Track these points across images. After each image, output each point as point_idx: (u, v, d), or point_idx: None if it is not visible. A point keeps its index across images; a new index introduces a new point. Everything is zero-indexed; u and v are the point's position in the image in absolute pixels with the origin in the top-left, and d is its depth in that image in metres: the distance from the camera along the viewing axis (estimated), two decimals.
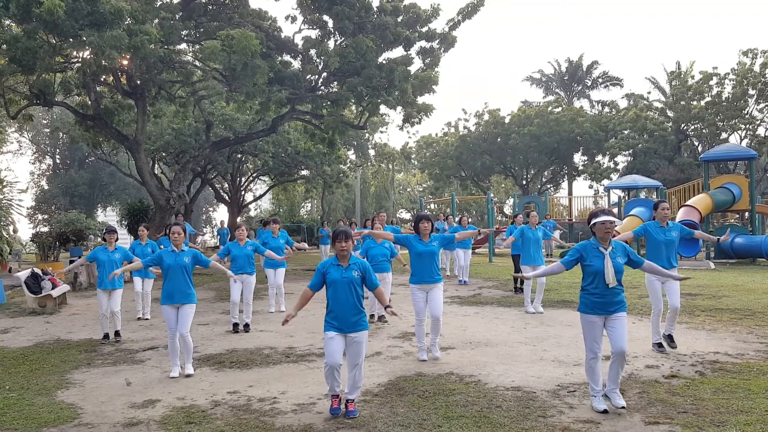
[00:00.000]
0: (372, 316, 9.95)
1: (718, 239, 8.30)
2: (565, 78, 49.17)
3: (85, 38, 14.22)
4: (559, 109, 40.40)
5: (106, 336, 9.06)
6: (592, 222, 5.32)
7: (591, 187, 40.93)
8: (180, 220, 18.05)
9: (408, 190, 62.32)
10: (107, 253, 9.05)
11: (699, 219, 19.27)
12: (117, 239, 9.39)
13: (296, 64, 21.06)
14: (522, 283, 12.07)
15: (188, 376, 6.77)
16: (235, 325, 9.57)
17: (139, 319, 10.82)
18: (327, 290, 5.41)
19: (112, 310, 9.00)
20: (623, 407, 5.14)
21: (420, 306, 7.30)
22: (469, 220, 16.13)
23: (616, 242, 5.37)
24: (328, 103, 21.18)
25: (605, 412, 5.11)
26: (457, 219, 16.05)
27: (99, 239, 33.52)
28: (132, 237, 24.98)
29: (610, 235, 5.30)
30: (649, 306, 10.36)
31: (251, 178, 38.98)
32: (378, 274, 9.57)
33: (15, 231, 23.67)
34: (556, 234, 25.77)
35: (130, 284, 11.45)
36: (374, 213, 14.53)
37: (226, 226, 24.28)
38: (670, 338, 7.36)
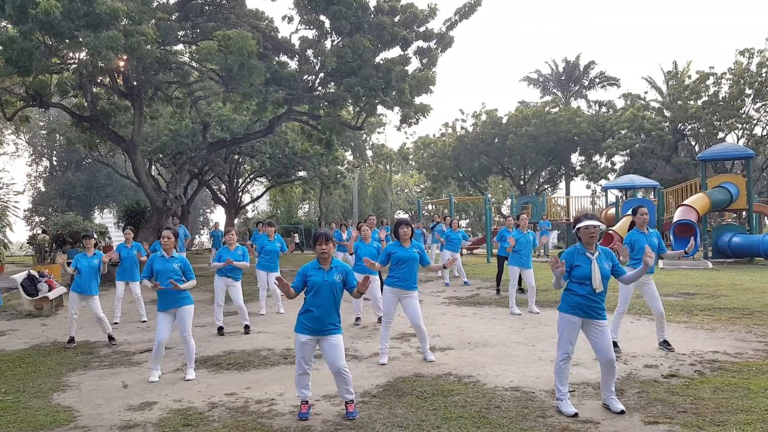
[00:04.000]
0: (358, 319, 9.99)
1: (686, 251, 7.62)
2: (562, 78, 49.22)
3: (81, 39, 14.15)
4: (557, 109, 40.46)
5: (71, 339, 8.89)
6: (577, 226, 5.29)
7: (588, 187, 41.03)
8: (175, 223, 17.96)
9: (405, 191, 62.35)
10: (86, 258, 8.96)
11: (696, 218, 19.27)
12: (96, 244, 9.29)
13: (293, 64, 21.02)
14: (520, 284, 12.08)
15: (188, 381, 6.68)
16: (220, 328, 9.52)
17: (116, 323, 10.63)
18: (307, 292, 5.35)
19: (97, 316, 8.91)
20: (622, 411, 5.10)
21: (389, 309, 7.18)
22: (461, 222, 16.11)
23: (602, 248, 5.34)
24: (326, 103, 21.14)
25: (575, 415, 5.06)
26: (449, 220, 16.05)
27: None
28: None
29: (595, 239, 5.25)
30: (646, 306, 10.38)
31: (248, 180, 38.93)
32: (367, 275, 9.62)
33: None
34: (554, 235, 25.80)
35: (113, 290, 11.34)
36: (369, 215, 14.39)
37: (220, 227, 24.18)
38: (665, 343, 7.34)
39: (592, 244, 5.24)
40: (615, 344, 7.30)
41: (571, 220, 29.33)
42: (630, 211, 8.70)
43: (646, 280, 7.27)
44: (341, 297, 5.41)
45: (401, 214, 57.39)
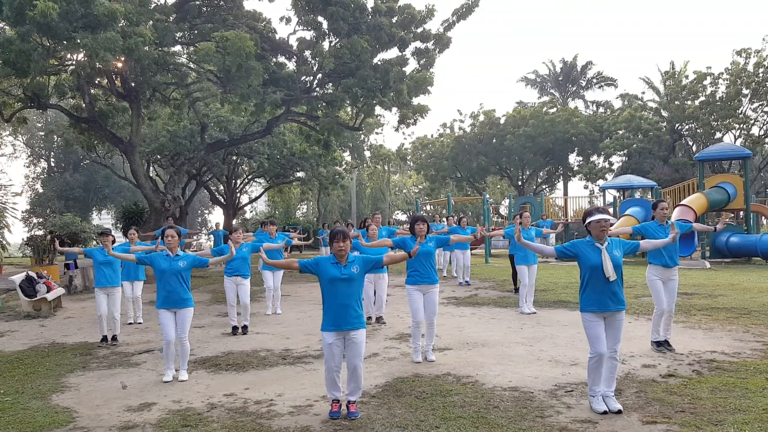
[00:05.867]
0: (369, 318, 9.94)
1: (715, 228, 8.25)
2: (560, 78, 49.26)
3: (79, 40, 14.14)
4: (554, 109, 40.50)
5: (105, 338, 8.99)
6: (588, 221, 5.33)
7: (586, 187, 41.02)
8: (171, 224, 17.96)
9: (404, 191, 62.34)
10: (104, 253, 9.01)
11: (694, 218, 19.30)
12: (113, 241, 9.35)
13: (291, 65, 21.05)
14: (515, 283, 12.15)
15: (181, 381, 6.68)
16: (234, 327, 9.53)
17: (130, 324, 10.70)
18: (325, 288, 5.36)
19: (112, 315, 8.97)
20: (620, 411, 5.12)
21: (417, 306, 7.25)
22: (467, 221, 16.11)
23: (610, 238, 5.39)
24: (323, 104, 21.16)
25: (605, 413, 5.09)
26: (455, 219, 16.07)
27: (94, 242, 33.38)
28: (126, 240, 24.80)
29: (606, 233, 5.30)
30: (645, 305, 10.42)
31: (246, 180, 38.91)
32: (374, 275, 9.65)
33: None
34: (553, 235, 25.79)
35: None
36: (370, 214, 14.47)
37: (221, 228, 24.19)
38: (666, 343, 7.35)
39: (603, 237, 5.29)
40: (658, 344, 7.31)
41: (570, 220, 29.52)
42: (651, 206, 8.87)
43: (671, 275, 7.36)
44: (362, 290, 5.44)
45: (400, 215, 57.41)
